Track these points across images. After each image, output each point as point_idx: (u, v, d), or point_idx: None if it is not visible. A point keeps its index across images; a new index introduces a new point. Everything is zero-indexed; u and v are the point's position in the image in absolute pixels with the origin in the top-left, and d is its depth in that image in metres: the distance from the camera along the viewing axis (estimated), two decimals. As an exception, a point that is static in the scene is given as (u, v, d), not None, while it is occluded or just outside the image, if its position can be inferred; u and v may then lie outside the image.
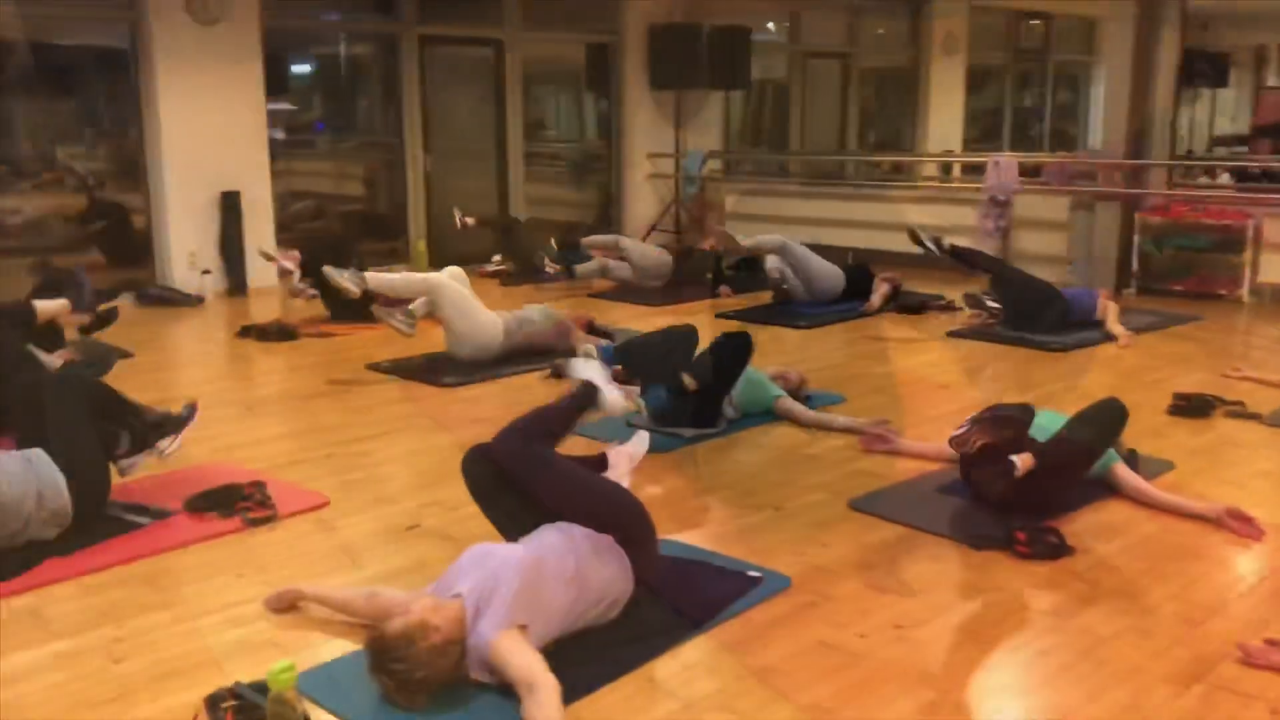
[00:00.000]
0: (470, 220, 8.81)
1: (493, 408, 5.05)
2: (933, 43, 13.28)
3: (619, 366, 4.26)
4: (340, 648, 2.73)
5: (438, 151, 9.53)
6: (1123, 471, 3.74)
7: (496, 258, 8.98)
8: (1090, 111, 16.50)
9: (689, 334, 4.70)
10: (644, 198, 10.84)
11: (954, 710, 2.48)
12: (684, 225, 10.64)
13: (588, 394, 3.29)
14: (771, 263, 7.49)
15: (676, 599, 2.91)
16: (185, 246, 7.99)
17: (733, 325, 6.15)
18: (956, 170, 11.80)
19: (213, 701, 2.39)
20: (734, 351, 4.61)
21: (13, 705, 2.52)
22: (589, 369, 3.42)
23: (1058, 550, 3.26)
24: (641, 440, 3.74)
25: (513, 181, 10.07)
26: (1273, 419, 4.62)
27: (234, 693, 2.40)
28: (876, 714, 2.45)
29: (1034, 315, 6.31)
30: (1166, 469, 4.00)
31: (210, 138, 7.95)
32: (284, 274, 7.17)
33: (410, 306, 5.81)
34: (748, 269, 8.36)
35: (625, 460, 3.53)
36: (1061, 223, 8.29)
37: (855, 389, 5.22)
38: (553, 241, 8.77)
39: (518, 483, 2.96)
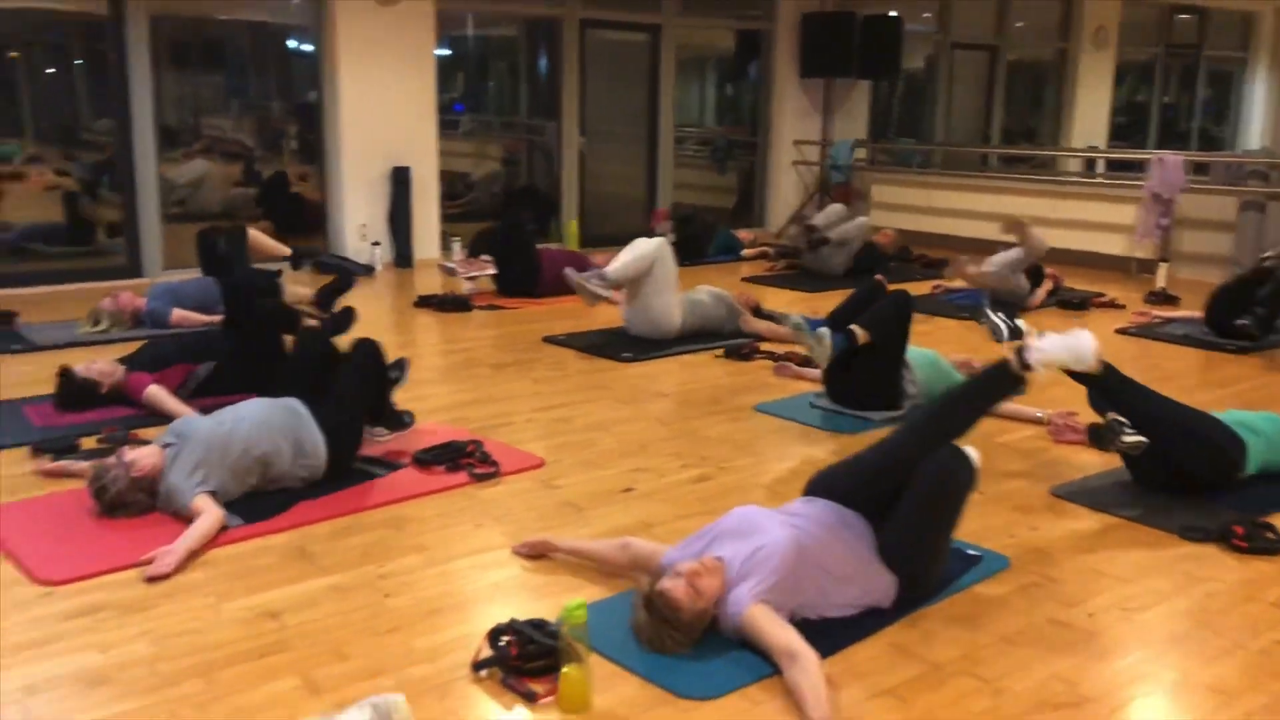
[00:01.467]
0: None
1: (672, 383, 5.23)
2: (1082, 35, 13.05)
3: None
4: (591, 593, 2.91)
5: (591, 134, 9.74)
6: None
7: (671, 237, 9.14)
8: (1241, 110, 16.03)
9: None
10: (787, 185, 10.90)
11: (1208, 691, 2.55)
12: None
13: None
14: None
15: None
16: (357, 218, 8.34)
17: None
18: (1101, 166, 11.61)
19: (494, 635, 2.59)
20: (895, 307, 4.65)
21: (300, 631, 2.77)
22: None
23: (1276, 546, 3.29)
24: None
25: (662, 165, 10.23)
26: None
27: (513, 628, 2.59)
28: (1124, 689, 2.53)
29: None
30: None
31: (385, 115, 8.28)
32: (469, 277, 7.30)
33: (607, 271, 5.91)
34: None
35: None
36: (1228, 223, 8.12)
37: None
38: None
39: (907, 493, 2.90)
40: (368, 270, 8.09)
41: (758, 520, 2.85)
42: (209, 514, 3.24)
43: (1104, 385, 3.65)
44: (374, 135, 8.27)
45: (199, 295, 6.15)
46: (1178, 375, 5.48)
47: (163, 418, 4.32)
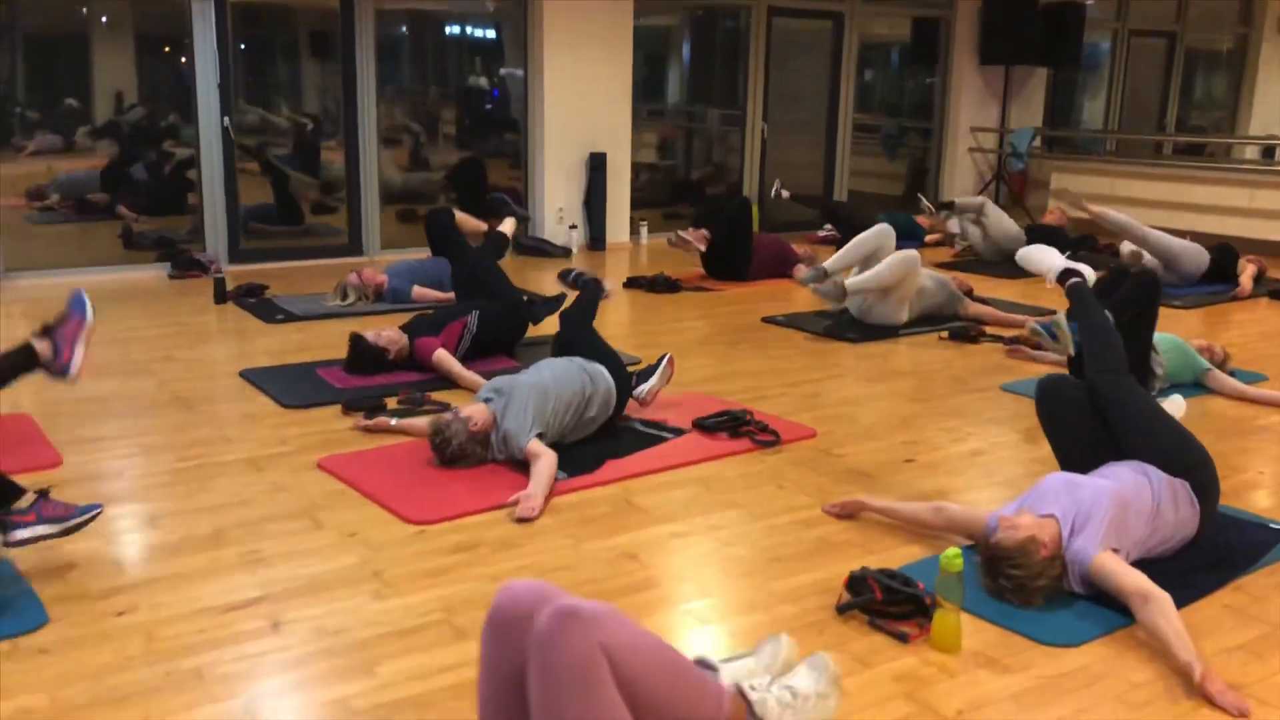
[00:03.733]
0: (786, 194, 8.92)
1: (908, 363, 5.38)
2: (1265, 21, 12.70)
3: None
4: (912, 551, 3.11)
5: (774, 121, 9.91)
6: None
7: (828, 226, 9.28)
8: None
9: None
10: (963, 172, 10.90)
11: None
12: (1005, 201, 10.64)
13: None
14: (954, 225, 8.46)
15: (1226, 537, 3.15)
16: (555, 202, 8.67)
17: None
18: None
19: (853, 581, 2.80)
20: (1143, 288, 4.69)
21: (661, 571, 3.03)
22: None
23: None
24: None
25: (840, 153, 10.34)
26: None
27: (871, 575, 2.80)
28: None
29: None
30: None
31: (584, 102, 8.59)
32: (688, 248, 7.52)
33: (826, 265, 6.11)
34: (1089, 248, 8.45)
35: None
36: None
37: (1275, 368, 5.27)
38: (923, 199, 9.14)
39: (1102, 414, 3.22)
40: (565, 252, 8.41)
41: (1075, 480, 3.03)
42: (545, 455, 3.55)
43: None
44: (573, 122, 8.58)
45: (435, 273, 6.53)
46: None
47: (445, 382, 4.70)
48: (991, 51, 10.48)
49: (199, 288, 6.79)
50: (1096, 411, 3.29)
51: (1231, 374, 4.98)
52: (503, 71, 9.19)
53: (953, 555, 2.58)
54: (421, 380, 4.74)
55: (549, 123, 8.52)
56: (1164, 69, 12.64)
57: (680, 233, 7.39)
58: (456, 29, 9.12)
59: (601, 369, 4.00)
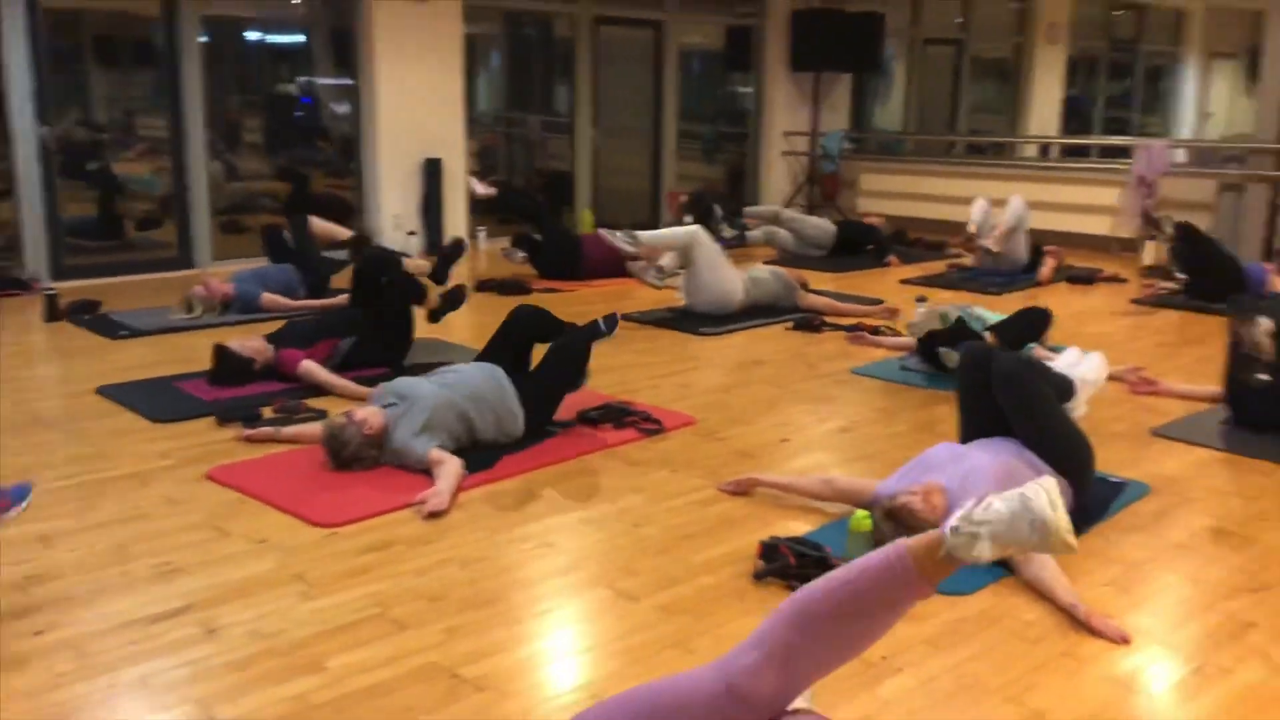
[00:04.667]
0: (481, 190, 8.01)
1: (762, 352, 5.66)
2: (1036, 30, 13.83)
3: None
4: (808, 520, 3.34)
5: (601, 128, 10.12)
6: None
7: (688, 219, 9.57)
8: (1177, 102, 17.05)
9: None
10: (778, 174, 11.40)
11: (1347, 575, 3.08)
12: (817, 201, 11.20)
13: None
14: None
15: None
16: (392, 209, 8.60)
17: (917, 291, 6.78)
18: (1055, 152, 12.44)
19: (766, 550, 3.00)
20: (1031, 324, 5.17)
21: (581, 554, 3.15)
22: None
23: (1362, 467, 3.86)
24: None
25: (665, 158, 10.65)
26: None
27: (782, 542, 3.00)
28: (1289, 575, 3.05)
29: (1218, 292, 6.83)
30: None
31: (416, 108, 8.56)
32: (474, 196, 7.70)
33: (662, 263, 6.42)
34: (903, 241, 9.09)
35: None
36: (1207, 204, 8.83)
37: (1084, 342, 5.81)
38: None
39: (1001, 394, 3.41)
40: (405, 259, 8.36)
41: (960, 450, 3.31)
42: (450, 460, 3.59)
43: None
44: (407, 129, 8.53)
45: (282, 280, 6.42)
46: (1205, 338, 6.08)
47: (316, 390, 4.65)
48: (801, 58, 11.01)
49: (20, 306, 6.43)
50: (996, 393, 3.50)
51: (1051, 349, 5.46)
52: (312, 79, 9.07)
53: (862, 517, 2.81)
54: (293, 389, 4.68)
55: (382, 129, 8.45)
56: (953, 75, 13.57)
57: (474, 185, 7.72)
58: (259, 35, 8.88)
59: (503, 378, 4.02)
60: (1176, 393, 4.81)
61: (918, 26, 12.86)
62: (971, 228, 7.95)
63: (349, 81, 8.53)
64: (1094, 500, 3.50)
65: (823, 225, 8.98)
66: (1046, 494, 1.85)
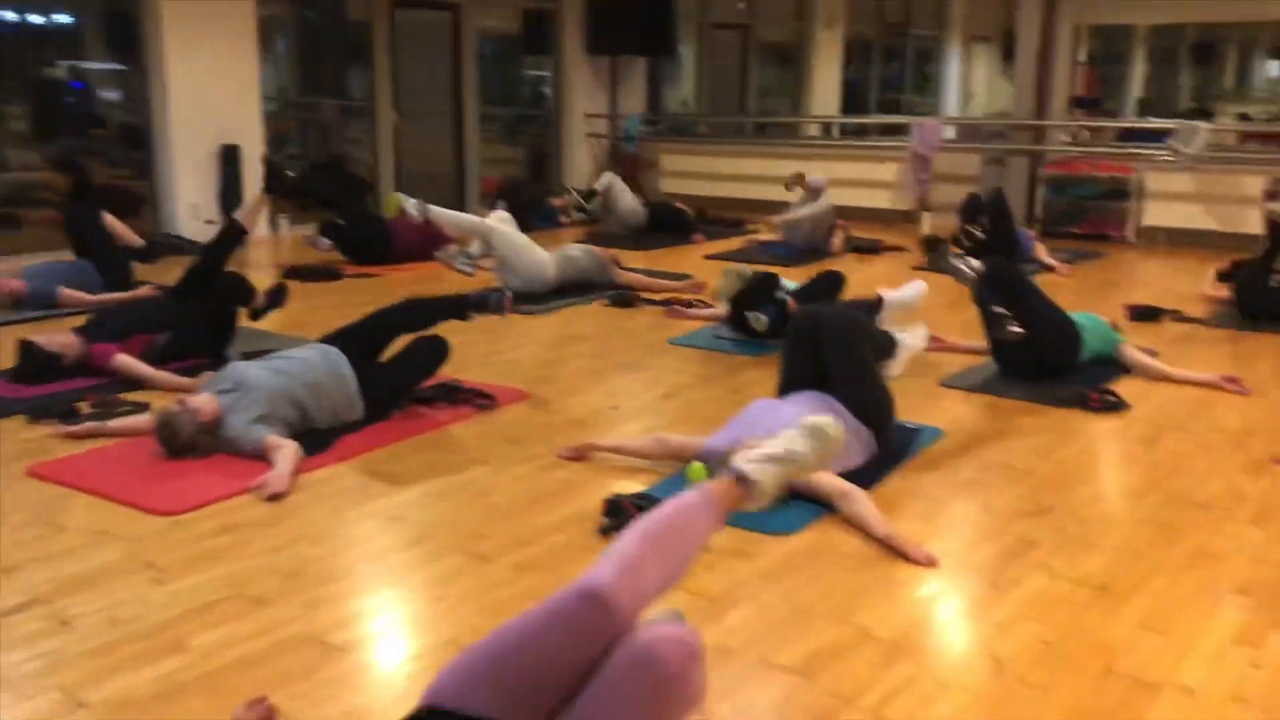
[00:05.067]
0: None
1: (582, 328, 5.86)
2: (816, 16, 14.54)
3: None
4: (645, 478, 3.55)
5: (403, 111, 10.05)
6: (1131, 351, 4.91)
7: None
8: (943, 83, 18.23)
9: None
10: (581, 157, 11.61)
11: (1124, 494, 3.54)
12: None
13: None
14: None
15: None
16: (188, 197, 8.32)
17: (722, 265, 7.14)
18: (837, 131, 13.19)
19: (610, 506, 3.19)
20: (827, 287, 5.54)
21: (433, 524, 3.26)
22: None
23: (1119, 404, 4.38)
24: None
25: (468, 141, 10.67)
26: (1213, 321, 5.94)
27: (624, 498, 3.20)
28: (1074, 491, 3.47)
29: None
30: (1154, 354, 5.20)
31: (210, 94, 8.29)
32: (319, 245, 7.60)
33: (470, 249, 6.51)
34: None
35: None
36: (975, 176, 9.58)
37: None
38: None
39: (824, 350, 3.70)
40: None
41: (778, 406, 3.60)
42: (286, 444, 3.61)
43: (999, 275, 4.72)
44: (201, 116, 8.27)
45: (77, 274, 6.16)
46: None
47: (130, 384, 4.54)
48: (597, 42, 11.23)
49: None
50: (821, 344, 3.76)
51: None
52: (79, 63, 8.66)
53: (698, 468, 3.04)
54: (106, 384, 4.54)
55: (174, 116, 8.16)
56: (740, 58, 14.11)
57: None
58: (18, 15, 8.35)
59: (343, 366, 4.03)
60: (960, 347, 5.28)
61: (707, 11, 13.30)
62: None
63: (125, 66, 8.18)
64: (897, 445, 3.86)
65: (635, 207, 9.24)
66: (813, 422, 2.29)
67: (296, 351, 4.08)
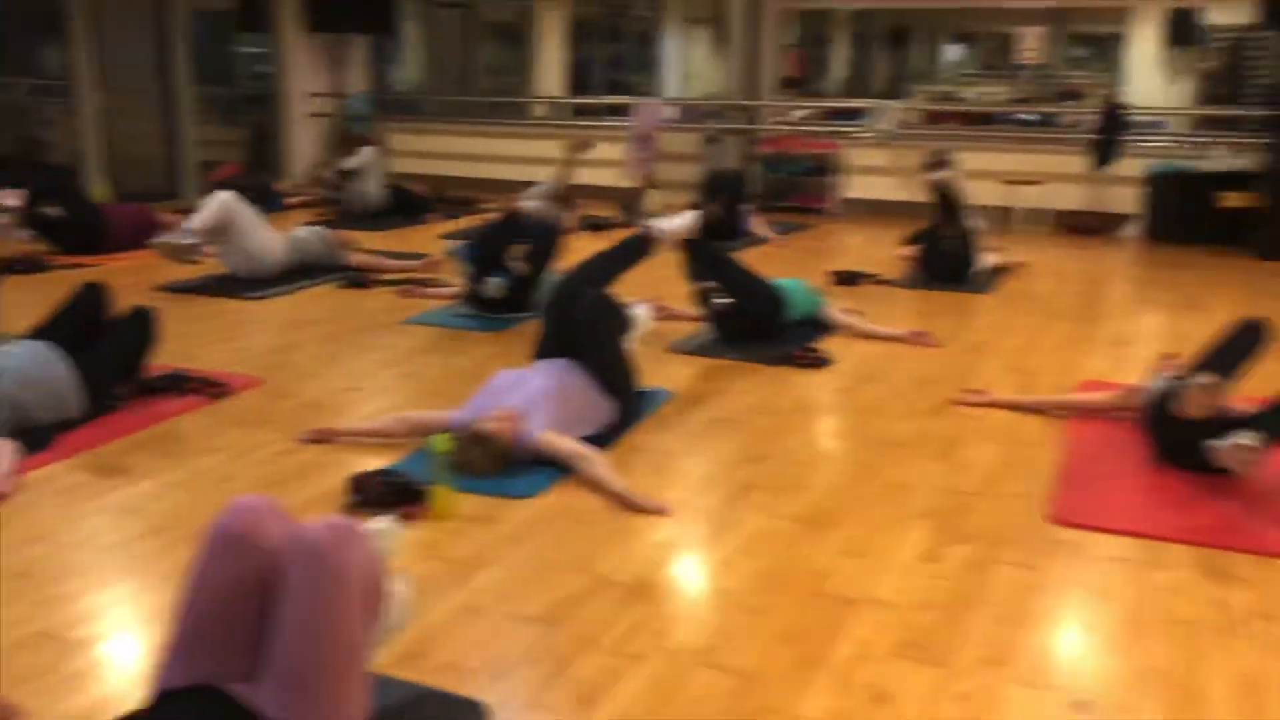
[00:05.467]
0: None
1: (316, 312, 5.80)
2: (539, -4, 14.73)
3: None
4: (386, 457, 3.63)
5: (109, 91, 9.46)
6: (833, 312, 5.41)
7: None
8: (664, 64, 18.87)
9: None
10: (305, 137, 11.30)
11: (829, 438, 3.93)
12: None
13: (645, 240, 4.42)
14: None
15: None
16: None
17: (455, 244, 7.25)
18: (565, 111, 13.46)
19: (356, 483, 3.26)
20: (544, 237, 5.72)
21: (173, 515, 3.21)
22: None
23: (823, 360, 4.83)
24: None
25: (181, 123, 10.16)
26: (905, 282, 6.59)
27: (369, 475, 3.27)
28: (786, 439, 3.82)
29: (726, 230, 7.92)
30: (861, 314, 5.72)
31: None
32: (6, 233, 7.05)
33: (192, 225, 6.26)
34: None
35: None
36: (696, 154, 10.06)
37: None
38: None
39: (582, 326, 3.91)
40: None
41: (523, 375, 3.78)
42: (3, 442, 3.44)
43: (700, 254, 5.03)
44: None
45: None
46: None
47: None
48: (317, 20, 10.95)
49: None
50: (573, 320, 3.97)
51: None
52: None
53: (440, 440, 3.16)
54: None
55: None
56: (462, 37, 14.10)
57: None
58: None
59: (55, 359, 3.85)
60: (686, 315, 5.62)
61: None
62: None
63: None
64: (632, 408, 4.12)
65: (379, 188, 9.14)
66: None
67: (14, 350, 3.87)
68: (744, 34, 9.89)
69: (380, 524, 2.38)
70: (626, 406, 3.96)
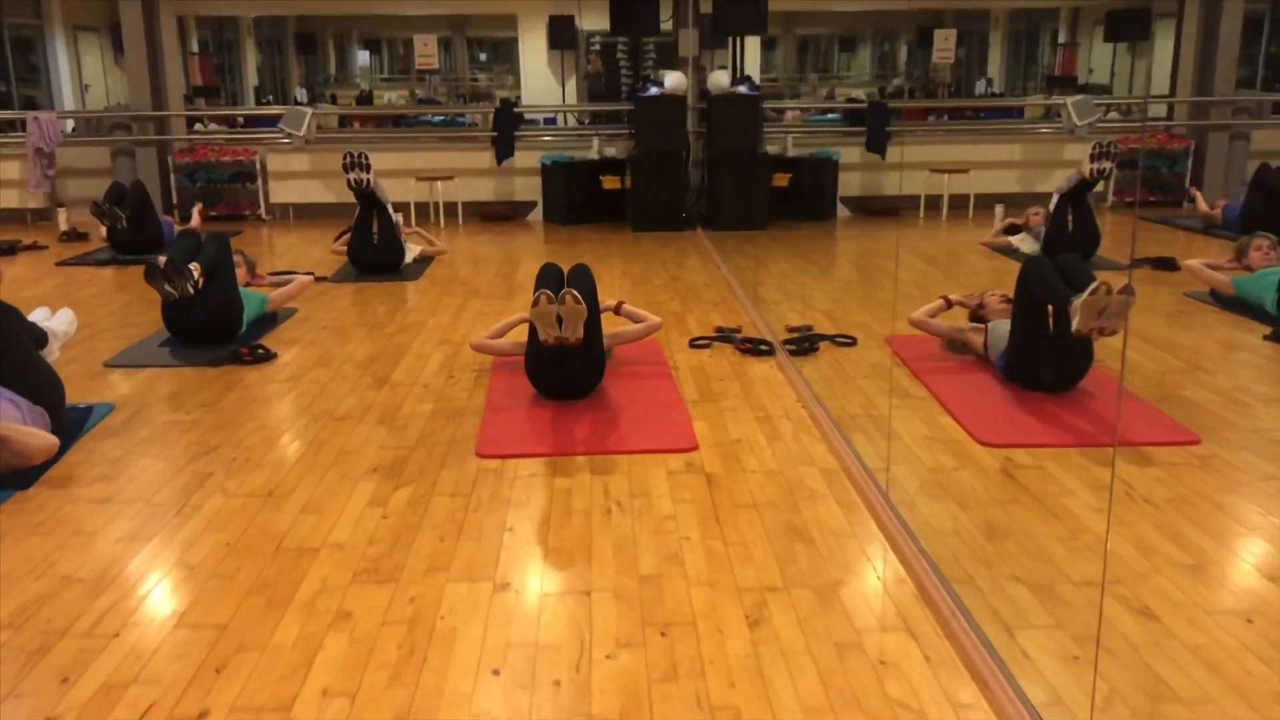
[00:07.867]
0: None
1: None
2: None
3: None
4: None
5: None
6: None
7: None
8: (54, 73, 17.36)
9: None
10: None
11: (282, 423, 4.21)
12: None
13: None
14: None
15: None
16: None
17: None
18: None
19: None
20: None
21: None
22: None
23: (268, 355, 5.08)
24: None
25: None
26: (340, 277, 6.95)
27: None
28: (238, 429, 4.05)
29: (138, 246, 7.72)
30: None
31: None
32: None
33: None
34: None
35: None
36: (105, 169, 9.62)
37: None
38: None
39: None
40: None
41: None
42: None
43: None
44: None
45: None
46: (130, 285, 6.89)
47: None
48: None
49: None
50: None
51: None
52: None
53: None
54: None
55: None
56: None
57: None
58: None
59: None
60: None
61: None
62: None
63: None
64: (71, 425, 4.10)
65: None
66: None
67: None
68: (140, 41, 9.61)
69: None
70: (58, 419, 3.97)
